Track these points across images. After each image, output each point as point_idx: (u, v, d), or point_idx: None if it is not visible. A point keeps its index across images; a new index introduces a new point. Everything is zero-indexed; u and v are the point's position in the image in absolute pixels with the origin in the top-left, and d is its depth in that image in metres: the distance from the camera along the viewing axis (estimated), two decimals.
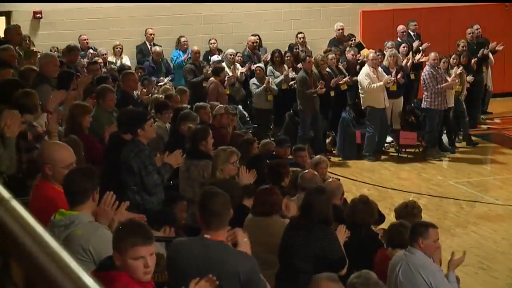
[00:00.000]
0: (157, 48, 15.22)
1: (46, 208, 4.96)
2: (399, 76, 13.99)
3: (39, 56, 10.89)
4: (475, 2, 17.58)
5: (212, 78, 13.88)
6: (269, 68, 14.73)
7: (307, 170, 8.20)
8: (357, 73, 14.80)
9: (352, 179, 12.67)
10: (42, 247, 1.73)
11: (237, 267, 4.78)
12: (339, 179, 9.64)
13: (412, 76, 14.87)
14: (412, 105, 14.87)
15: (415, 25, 16.20)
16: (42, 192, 5.29)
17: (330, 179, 9.05)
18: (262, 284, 4.97)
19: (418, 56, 15.07)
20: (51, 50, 13.04)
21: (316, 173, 8.31)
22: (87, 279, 1.59)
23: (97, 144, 7.98)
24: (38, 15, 15.38)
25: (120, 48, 15.07)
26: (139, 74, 13.87)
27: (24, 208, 1.98)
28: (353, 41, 15.70)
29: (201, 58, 15.29)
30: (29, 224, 1.87)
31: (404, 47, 15.26)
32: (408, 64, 14.75)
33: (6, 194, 2.05)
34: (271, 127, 14.67)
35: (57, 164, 5.25)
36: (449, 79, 14.01)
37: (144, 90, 12.18)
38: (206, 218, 4.86)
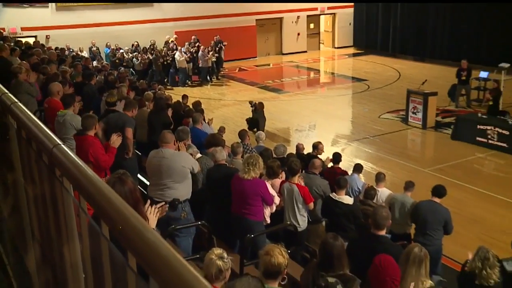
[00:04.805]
0: (95, 48, 18.13)
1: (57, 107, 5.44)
2: (188, 55, 17.61)
3: (48, 52, 11.31)
4: (219, 26, 20.65)
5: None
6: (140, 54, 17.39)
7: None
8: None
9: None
10: (39, 130, 1.68)
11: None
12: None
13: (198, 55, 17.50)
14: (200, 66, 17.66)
15: (196, 37, 18.85)
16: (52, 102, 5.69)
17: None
18: None
19: (194, 49, 18.02)
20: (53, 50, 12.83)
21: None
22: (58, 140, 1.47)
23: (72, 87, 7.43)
24: (48, 36, 18.02)
25: (82, 49, 17.69)
26: (101, 61, 15.65)
27: (25, 108, 1.83)
28: (173, 42, 18.58)
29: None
30: (31, 118, 1.79)
31: (191, 44, 18.20)
32: (194, 51, 17.84)
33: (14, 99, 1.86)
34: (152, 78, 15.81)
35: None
36: (208, 56, 17.83)
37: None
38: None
